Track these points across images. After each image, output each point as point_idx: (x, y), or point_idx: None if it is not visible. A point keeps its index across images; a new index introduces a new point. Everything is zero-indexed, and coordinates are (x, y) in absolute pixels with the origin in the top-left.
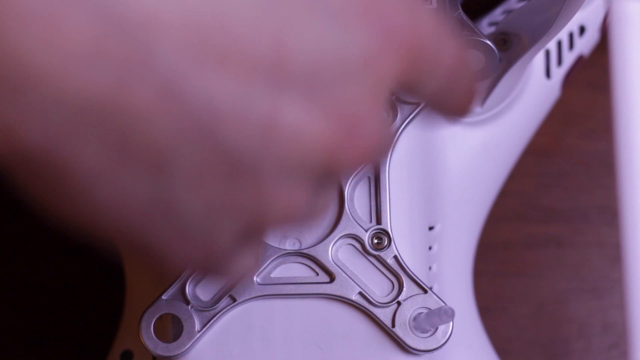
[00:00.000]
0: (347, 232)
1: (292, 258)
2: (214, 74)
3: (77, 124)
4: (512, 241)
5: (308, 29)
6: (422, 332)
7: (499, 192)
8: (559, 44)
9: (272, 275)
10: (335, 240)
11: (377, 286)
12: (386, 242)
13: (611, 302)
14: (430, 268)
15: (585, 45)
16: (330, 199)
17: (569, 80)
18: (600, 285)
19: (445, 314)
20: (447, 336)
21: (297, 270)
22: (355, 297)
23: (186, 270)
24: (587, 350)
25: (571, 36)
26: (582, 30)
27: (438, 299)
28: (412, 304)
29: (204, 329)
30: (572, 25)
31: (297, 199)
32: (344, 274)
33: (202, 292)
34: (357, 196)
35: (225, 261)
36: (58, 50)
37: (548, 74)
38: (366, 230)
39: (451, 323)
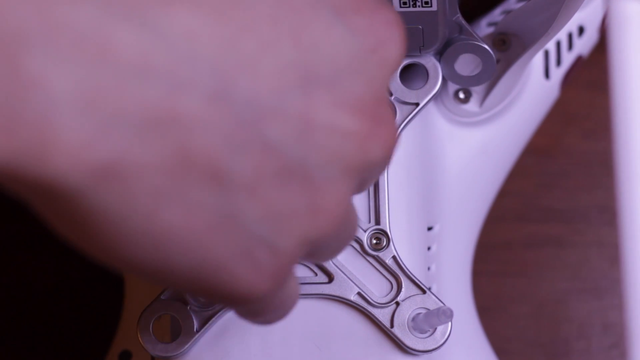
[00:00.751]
0: None
1: None
2: (251, 77)
3: (138, 140)
4: (512, 241)
5: (319, 28)
6: (421, 333)
7: (498, 192)
8: (558, 44)
9: None
10: None
11: (376, 286)
12: (385, 243)
13: (611, 302)
14: (429, 268)
15: (584, 45)
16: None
17: (568, 80)
18: (600, 285)
19: (443, 314)
20: (446, 336)
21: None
22: (353, 297)
23: (254, 299)
24: (587, 350)
25: (570, 36)
26: (581, 30)
27: (437, 300)
28: (411, 305)
29: (203, 329)
30: (571, 25)
31: (345, 197)
32: (342, 274)
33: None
34: (355, 196)
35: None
36: (111, 66)
37: (547, 74)
38: (365, 231)
39: (450, 323)
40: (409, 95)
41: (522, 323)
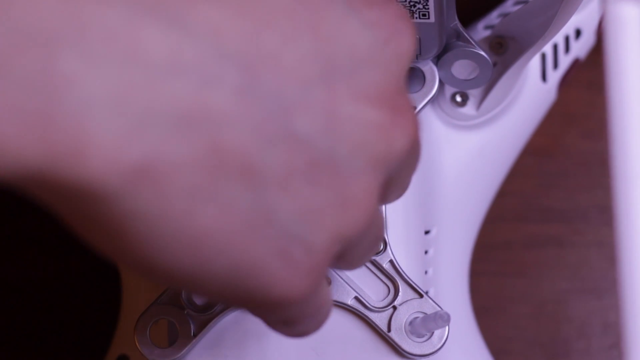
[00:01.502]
0: None
1: None
2: (276, 70)
3: (171, 138)
4: (512, 241)
5: (335, 20)
6: (418, 337)
7: (495, 195)
8: (555, 47)
9: None
10: None
11: (373, 291)
12: (382, 247)
13: (611, 302)
14: (426, 272)
15: (581, 48)
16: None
17: (565, 83)
18: (600, 285)
19: (441, 318)
20: (443, 341)
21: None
22: (351, 301)
23: (292, 301)
24: (587, 350)
25: (567, 39)
26: (578, 33)
27: (434, 304)
28: (408, 309)
29: (200, 333)
30: (568, 28)
31: (373, 190)
32: (339, 278)
33: (197, 296)
34: None
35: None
36: (141, 64)
37: (544, 77)
38: None
39: (447, 327)
40: None
41: (522, 323)
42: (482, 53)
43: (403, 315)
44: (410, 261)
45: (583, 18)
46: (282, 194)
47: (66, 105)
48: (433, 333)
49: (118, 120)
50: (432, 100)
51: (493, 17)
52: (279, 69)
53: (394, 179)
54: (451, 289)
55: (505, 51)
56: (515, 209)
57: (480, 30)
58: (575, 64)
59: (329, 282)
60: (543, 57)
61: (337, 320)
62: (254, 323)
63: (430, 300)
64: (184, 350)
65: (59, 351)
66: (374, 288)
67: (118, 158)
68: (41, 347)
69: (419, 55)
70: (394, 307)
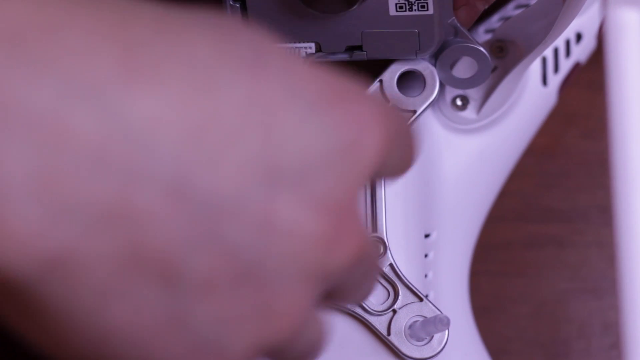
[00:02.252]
0: None
1: None
2: (211, 172)
3: (88, 233)
4: (512, 241)
5: (291, 122)
6: (418, 340)
7: (495, 198)
8: (556, 51)
9: None
10: None
11: (373, 294)
12: (382, 251)
13: (611, 302)
14: (426, 276)
15: (582, 52)
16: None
17: (565, 87)
18: (600, 285)
19: (440, 322)
20: (443, 344)
21: None
22: (350, 305)
23: None
24: (587, 350)
25: (568, 43)
26: (578, 37)
27: (434, 307)
28: (408, 312)
29: None
30: (569, 32)
31: (303, 302)
32: None
33: None
34: None
35: None
36: (66, 152)
37: (545, 81)
38: None
39: (447, 331)
40: (406, 102)
41: (522, 323)
42: (480, 48)
43: (403, 319)
44: (410, 265)
45: (584, 22)
46: (201, 299)
47: None
48: (433, 337)
49: (36, 208)
50: (432, 104)
51: (494, 21)
52: (215, 172)
53: (341, 287)
54: (451, 292)
55: (506, 55)
56: (515, 209)
57: (481, 34)
58: (576, 68)
59: None
60: (544, 61)
61: (336, 324)
62: None
63: (430, 304)
64: None
65: None
66: (374, 291)
67: (32, 247)
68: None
69: (418, 50)
70: (394, 311)
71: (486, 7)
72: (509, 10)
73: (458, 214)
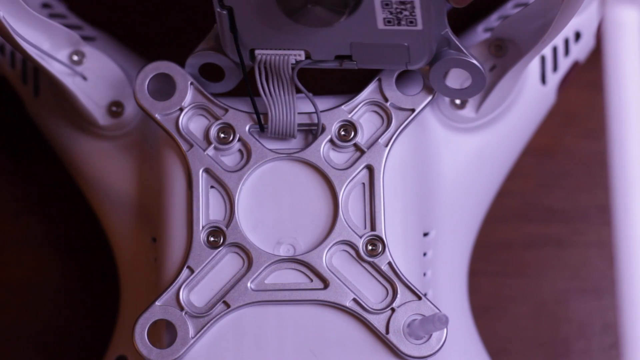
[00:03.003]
0: (342, 239)
1: (286, 264)
2: None
3: None
4: (512, 241)
5: None
6: (416, 339)
7: (494, 197)
8: (555, 49)
9: (266, 282)
10: (329, 246)
11: (371, 293)
12: (380, 249)
13: (611, 302)
14: (424, 274)
15: (580, 51)
16: None
17: (564, 86)
18: (600, 285)
19: (439, 320)
20: (441, 343)
21: (291, 276)
22: (349, 303)
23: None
24: (587, 350)
25: (567, 42)
26: (577, 36)
27: (432, 306)
28: (406, 311)
29: (198, 335)
30: (568, 31)
31: None
32: (338, 280)
33: (196, 298)
34: (351, 202)
35: None
36: None
37: (543, 79)
38: (360, 237)
39: (445, 330)
40: (405, 101)
41: (522, 323)
42: (475, 62)
43: (401, 317)
44: (408, 263)
45: (582, 21)
46: None
47: None
48: (431, 335)
49: None
50: (431, 103)
51: (492, 20)
52: None
53: None
54: (450, 291)
55: (505, 54)
56: (515, 208)
57: (480, 33)
58: (575, 67)
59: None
60: (542, 59)
61: (335, 322)
62: (253, 325)
63: (428, 303)
64: (182, 352)
65: (58, 352)
66: (373, 290)
67: None
68: (41, 347)
69: (408, 63)
70: (392, 309)
71: None
72: (508, 8)
73: (457, 213)
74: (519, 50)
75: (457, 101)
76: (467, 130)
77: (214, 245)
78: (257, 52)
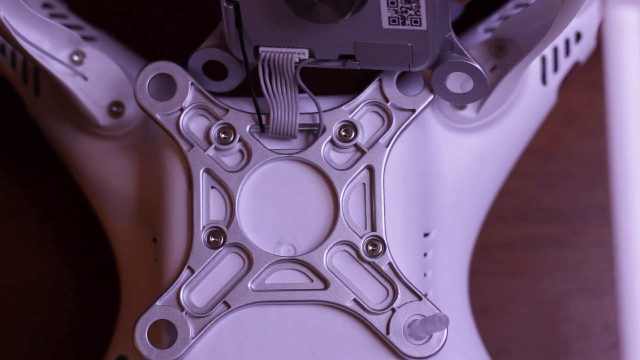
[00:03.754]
0: (342, 239)
1: (287, 265)
2: None
3: None
4: (512, 241)
5: None
6: (417, 339)
7: (494, 197)
8: (555, 50)
9: (266, 282)
10: (330, 247)
11: (372, 293)
12: (381, 249)
13: (611, 302)
14: (425, 275)
15: (581, 51)
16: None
17: (565, 86)
18: (600, 285)
19: (439, 321)
20: (442, 343)
21: (291, 276)
22: (349, 304)
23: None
24: (587, 350)
25: (567, 43)
26: (578, 36)
27: (433, 306)
28: (407, 311)
29: (198, 335)
30: (569, 31)
31: None
32: (338, 280)
33: (196, 298)
34: (352, 203)
35: None
36: None
37: (544, 80)
38: (361, 237)
39: (445, 330)
40: (406, 101)
41: (522, 323)
42: (477, 66)
43: (402, 318)
44: (409, 264)
45: (583, 21)
46: None
47: None
48: (431, 336)
49: None
50: (432, 103)
51: (493, 20)
52: None
53: None
54: (450, 291)
55: (505, 54)
56: (515, 209)
57: (481, 33)
58: (576, 67)
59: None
60: (543, 60)
61: (335, 323)
62: (253, 325)
63: (429, 303)
64: (182, 352)
65: (58, 351)
66: (373, 290)
67: None
68: (41, 347)
69: (411, 64)
70: (393, 310)
71: None
72: (509, 9)
73: (457, 213)
74: (520, 50)
75: None
76: (468, 130)
77: (214, 246)
78: (261, 49)
